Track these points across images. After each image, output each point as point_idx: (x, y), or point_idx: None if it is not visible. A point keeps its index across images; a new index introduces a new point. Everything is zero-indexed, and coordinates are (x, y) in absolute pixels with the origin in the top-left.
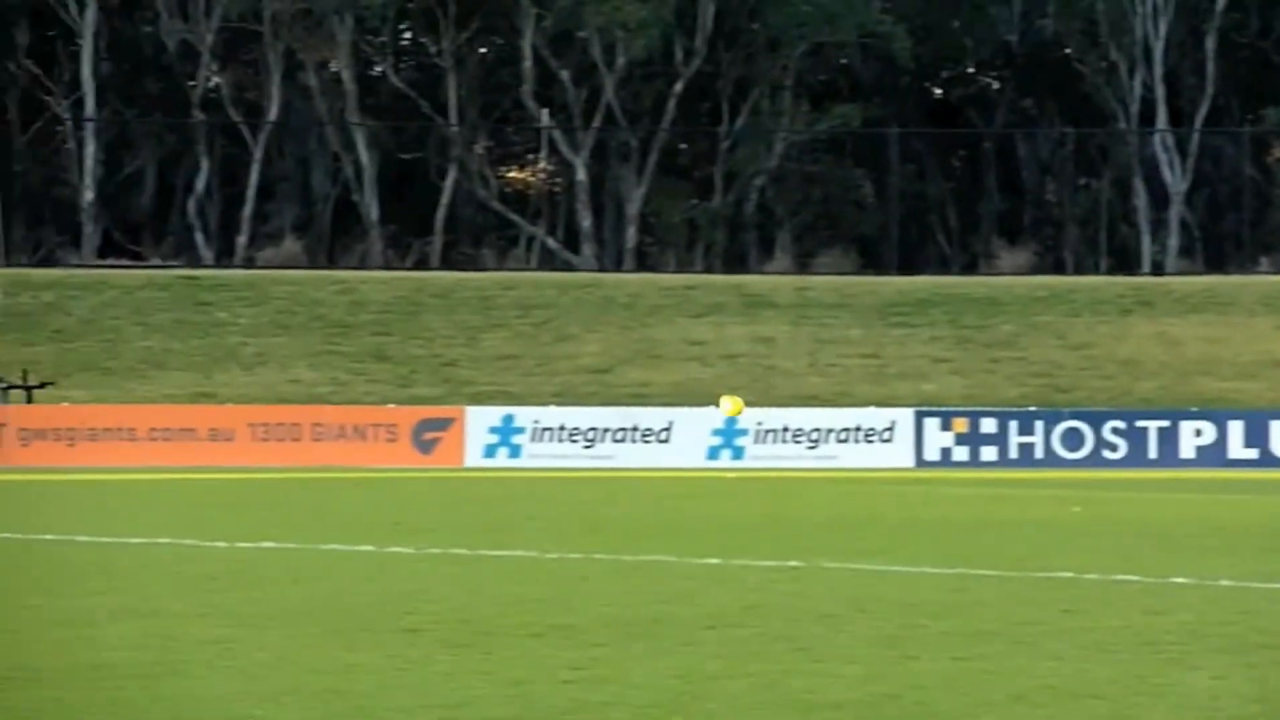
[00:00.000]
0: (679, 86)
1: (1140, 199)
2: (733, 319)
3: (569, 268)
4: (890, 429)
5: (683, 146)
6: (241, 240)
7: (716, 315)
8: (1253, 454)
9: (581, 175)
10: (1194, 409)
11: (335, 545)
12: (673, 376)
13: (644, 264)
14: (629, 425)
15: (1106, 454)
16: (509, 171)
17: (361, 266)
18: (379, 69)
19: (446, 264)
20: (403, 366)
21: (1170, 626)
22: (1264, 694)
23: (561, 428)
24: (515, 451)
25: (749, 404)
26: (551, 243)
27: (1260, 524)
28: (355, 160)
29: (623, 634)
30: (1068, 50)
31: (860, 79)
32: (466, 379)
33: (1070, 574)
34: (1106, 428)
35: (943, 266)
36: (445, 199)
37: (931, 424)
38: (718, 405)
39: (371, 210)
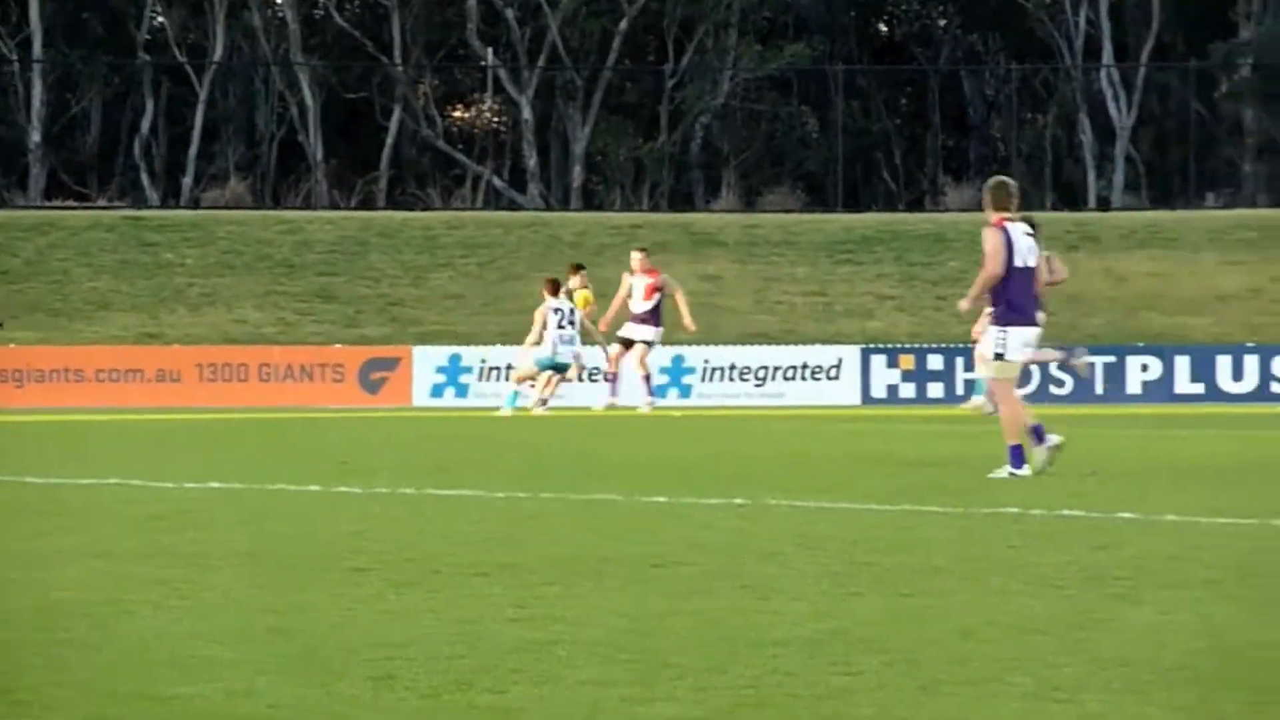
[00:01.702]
0: (624, 25)
1: (1086, 134)
2: (679, 257)
3: (515, 207)
4: (837, 366)
5: (628, 85)
6: (187, 181)
7: (663, 254)
8: (1199, 389)
9: (527, 114)
10: (1140, 344)
11: (282, 485)
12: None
13: (590, 203)
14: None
15: (1053, 389)
16: (454, 111)
17: (307, 206)
18: (323, 8)
19: (392, 204)
20: (349, 306)
21: (1116, 561)
22: (1209, 629)
23: (509, 367)
24: (462, 391)
25: (698, 342)
26: (497, 182)
27: (1206, 459)
28: (300, 100)
29: (570, 572)
30: None
31: (805, 17)
32: (413, 318)
33: (1016, 510)
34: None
35: (889, 204)
36: (390, 139)
37: (878, 361)
38: None
39: (316, 150)
